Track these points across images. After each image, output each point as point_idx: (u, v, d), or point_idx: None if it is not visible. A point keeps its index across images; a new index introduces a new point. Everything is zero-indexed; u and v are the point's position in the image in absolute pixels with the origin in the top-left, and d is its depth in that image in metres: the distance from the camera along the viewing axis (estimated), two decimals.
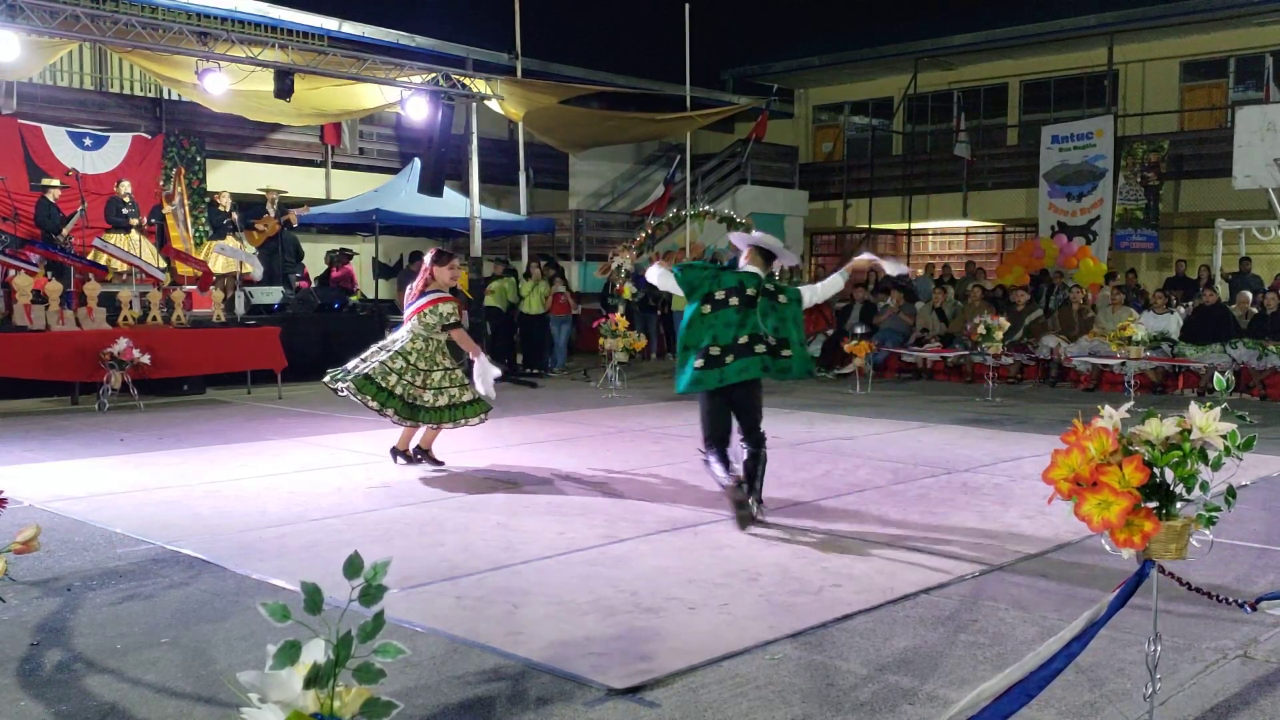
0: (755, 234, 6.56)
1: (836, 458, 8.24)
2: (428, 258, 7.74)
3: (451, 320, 7.56)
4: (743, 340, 5.94)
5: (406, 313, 7.65)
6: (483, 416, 7.58)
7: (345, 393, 7.32)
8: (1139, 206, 19.97)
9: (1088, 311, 14.28)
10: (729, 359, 5.92)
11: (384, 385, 7.27)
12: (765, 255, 6.31)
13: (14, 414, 10.41)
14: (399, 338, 7.57)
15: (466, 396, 7.50)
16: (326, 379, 7.55)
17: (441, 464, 7.70)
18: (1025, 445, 8.84)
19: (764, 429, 6.13)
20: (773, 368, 5.98)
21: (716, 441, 6.03)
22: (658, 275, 6.27)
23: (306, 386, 12.83)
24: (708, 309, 6.00)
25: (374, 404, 7.26)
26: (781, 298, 6.11)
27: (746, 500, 5.92)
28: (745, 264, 6.24)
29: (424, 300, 7.52)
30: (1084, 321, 14.07)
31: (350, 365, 7.53)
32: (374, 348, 7.68)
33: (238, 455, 8.20)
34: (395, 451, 7.79)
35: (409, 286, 7.79)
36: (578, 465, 7.84)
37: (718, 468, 5.95)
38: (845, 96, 26.20)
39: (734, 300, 6.00)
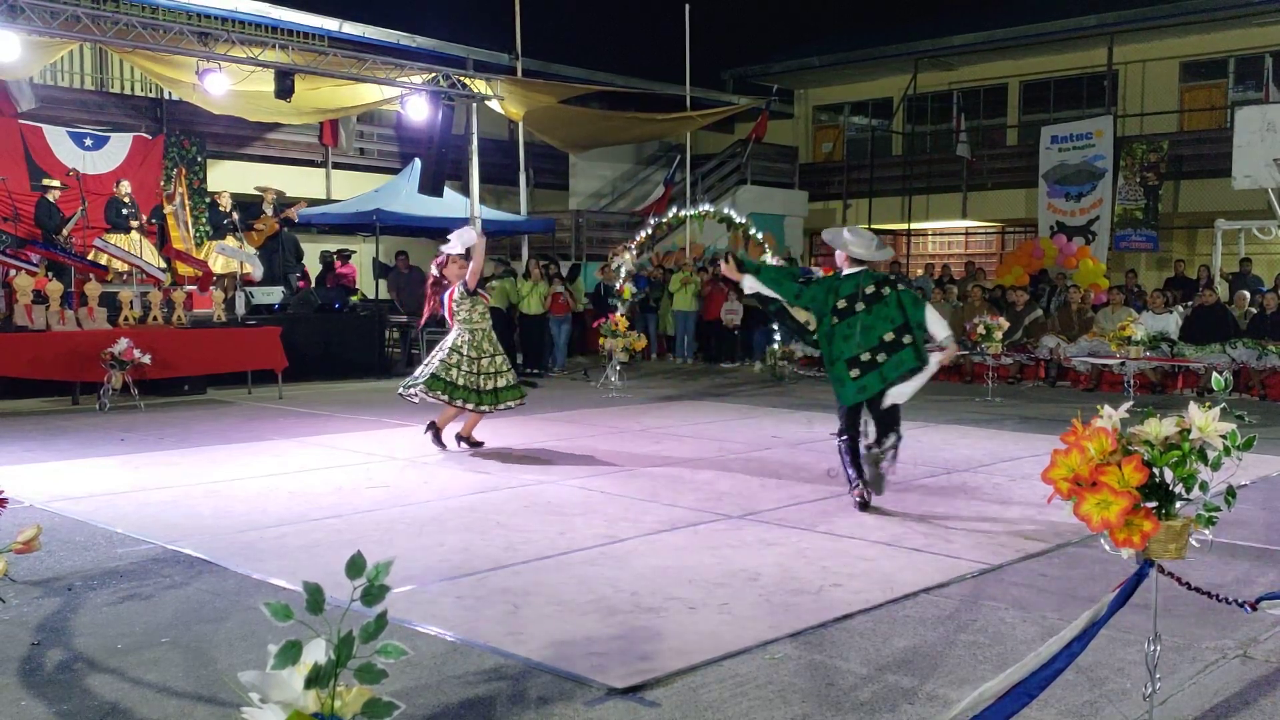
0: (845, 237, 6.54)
1: (837, 457, 8.21)
2: (434, 268, 8.55)
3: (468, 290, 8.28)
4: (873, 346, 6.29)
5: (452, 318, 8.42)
6: (521, 400, 8.48)
7: (418, 398, 8.18)
8: (1138, 206, 19.97)
9: (1087, 311, 14.28)
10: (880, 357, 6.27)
11: (449, 379, 8.08)
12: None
13: (14, 414, 10.42)
14: (449, 339, 8.35)
15: (503, 382, 8.33)
16: (401, 391, 8.39)
17: (481, 443, 8.46)
18: (1025, 445, 8.84)
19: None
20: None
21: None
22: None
23: (307, 386, 12.86)
24: (835, 320, 6.29)
25: (444, 397, 8.08)
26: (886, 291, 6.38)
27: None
28: (849, 268, 6.44)
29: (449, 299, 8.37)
30: (1084, 321, 14.07)
31: (417, 373, 8.40)
32: (434, 351, 8.51)
33: (238, 455, 8.20)
34: (433, 427, 8.34)
35: (442, 298, 8.44)
36: (577, 465, 7.84)
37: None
38: (845, 97, 26.20)
39: (859, 305, 6.30)
